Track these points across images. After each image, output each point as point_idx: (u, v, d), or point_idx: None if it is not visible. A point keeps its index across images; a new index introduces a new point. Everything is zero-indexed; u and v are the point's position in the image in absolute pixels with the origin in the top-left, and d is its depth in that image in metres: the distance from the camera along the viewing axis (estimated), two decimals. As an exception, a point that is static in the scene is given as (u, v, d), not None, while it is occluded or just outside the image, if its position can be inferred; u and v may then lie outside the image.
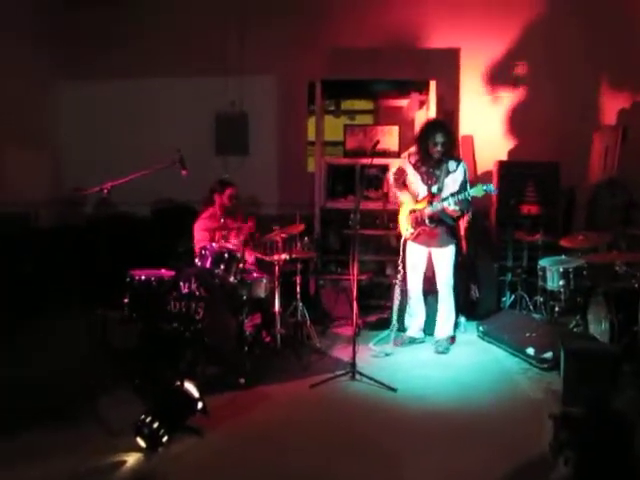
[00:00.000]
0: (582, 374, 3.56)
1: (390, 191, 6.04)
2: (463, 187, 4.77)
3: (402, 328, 5.37)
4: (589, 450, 2.81)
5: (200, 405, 3.39)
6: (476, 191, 4.59)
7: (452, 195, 4.70)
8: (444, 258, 5.03)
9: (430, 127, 4.89)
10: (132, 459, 3.07)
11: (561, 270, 5.08)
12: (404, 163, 5.11)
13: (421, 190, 4.96)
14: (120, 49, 7.32)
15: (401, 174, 5.11)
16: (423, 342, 5.24)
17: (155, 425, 3.12)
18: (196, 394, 3.40)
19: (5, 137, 6.65)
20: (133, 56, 7.33)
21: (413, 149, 5.18)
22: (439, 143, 4.75)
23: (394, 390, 4.07)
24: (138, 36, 7.35)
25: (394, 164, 6.21)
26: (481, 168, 6.97)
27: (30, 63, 7.15)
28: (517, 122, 7.06)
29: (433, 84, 6.26)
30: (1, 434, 3.29)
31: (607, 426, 2.81)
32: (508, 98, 7.07)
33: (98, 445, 3.19)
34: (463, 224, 5.72)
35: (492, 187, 4.66)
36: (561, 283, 5.08)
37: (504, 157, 6.95)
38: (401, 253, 5.22)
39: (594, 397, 3.03)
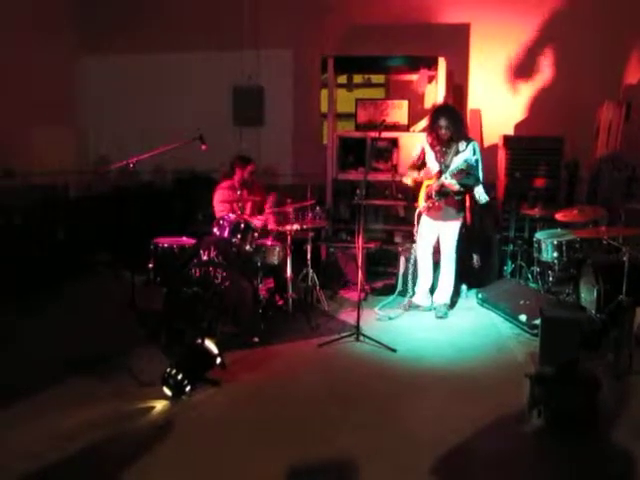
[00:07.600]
0: (555, 338, 3.87)
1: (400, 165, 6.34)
2: (470, 165, 5.08)
3: (407, 294, 5.68)
4: (557, 404, 3.19)
5: (219, 360, 3.82)
6: (460, 165, 4.98)
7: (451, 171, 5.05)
8: (449, 232, 5.36)
9: (436, 113, 5.24)
10: (160, 405, 3.51)
11: (555, 243, 5.30)
12: (423, 142, 5.42)
13: (434, 167, 5.30)
14: (142, 25, 7.57)
15: (421, 154, 5.44)
16: (430, 310, 5.47)
17: (179, 377, 3.54)
18: (215, 350, 3.80)
19: (36, 112, 6.93)
20: (155, 32, 7.60)
21: (425, 124, 5.48)
22: (443, 127, 5.10)
23: (394, 351, 4.43)
24: (161, 12, 7.60)
25: (402, 137, 6.51)
26: (488, 142, 7.17)
27: (58, 39, 7.42)
28: (524, 97, 7.18)
29: (442, 61, 6.37)
30: (46, 383, 3.72)
31: (572, 384, 3.18)
32: (516, 74, 7.19)
33: (131, 393, 3.63)
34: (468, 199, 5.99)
35: (471, 158, 4.98)
36: (555, 255, 5.30)
37: (510, 131, 7.11)
38: (415, 224, 5.52)
39: (564, 359, 3.36)
